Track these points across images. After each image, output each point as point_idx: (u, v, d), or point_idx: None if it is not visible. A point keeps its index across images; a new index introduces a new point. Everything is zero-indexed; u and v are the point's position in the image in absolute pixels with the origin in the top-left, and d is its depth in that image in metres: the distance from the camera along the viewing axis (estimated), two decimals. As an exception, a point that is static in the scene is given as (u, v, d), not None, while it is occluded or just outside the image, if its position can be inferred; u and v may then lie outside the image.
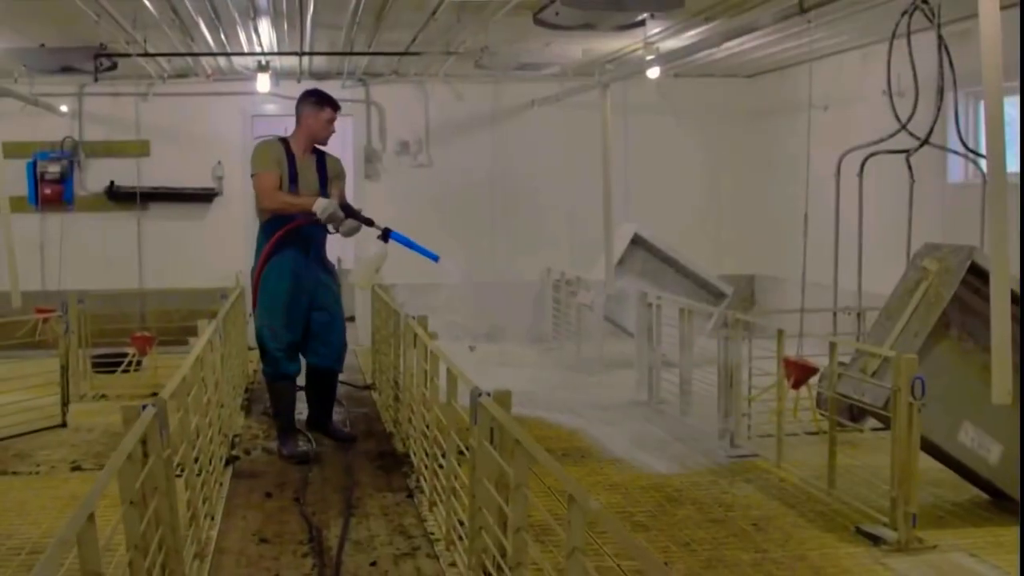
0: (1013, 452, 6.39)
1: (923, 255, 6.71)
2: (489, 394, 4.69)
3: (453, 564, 5.62)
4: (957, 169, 10.51)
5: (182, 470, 5.34)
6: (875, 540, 6.04)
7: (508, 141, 14.82)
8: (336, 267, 8.51)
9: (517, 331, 14.63)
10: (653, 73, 11.52)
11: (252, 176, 7.87)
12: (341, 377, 9.02)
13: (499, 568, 4.52)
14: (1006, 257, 5.39)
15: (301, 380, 8.48)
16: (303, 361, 8.39)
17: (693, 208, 15.05)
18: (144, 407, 4.38)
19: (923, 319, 6.34)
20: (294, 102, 8.23)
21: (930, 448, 6.44)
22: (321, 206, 7.58)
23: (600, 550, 5.76)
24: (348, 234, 7.81)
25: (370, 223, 7.75)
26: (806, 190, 8.21)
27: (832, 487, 6.86)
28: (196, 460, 5.70)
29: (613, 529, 2.95)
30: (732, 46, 11.12)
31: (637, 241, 12.59)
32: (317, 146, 8.01)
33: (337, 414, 9.01)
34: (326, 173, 7.97)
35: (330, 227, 7.84)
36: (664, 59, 10.88)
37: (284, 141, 7.94)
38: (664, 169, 14.93)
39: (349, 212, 7.72)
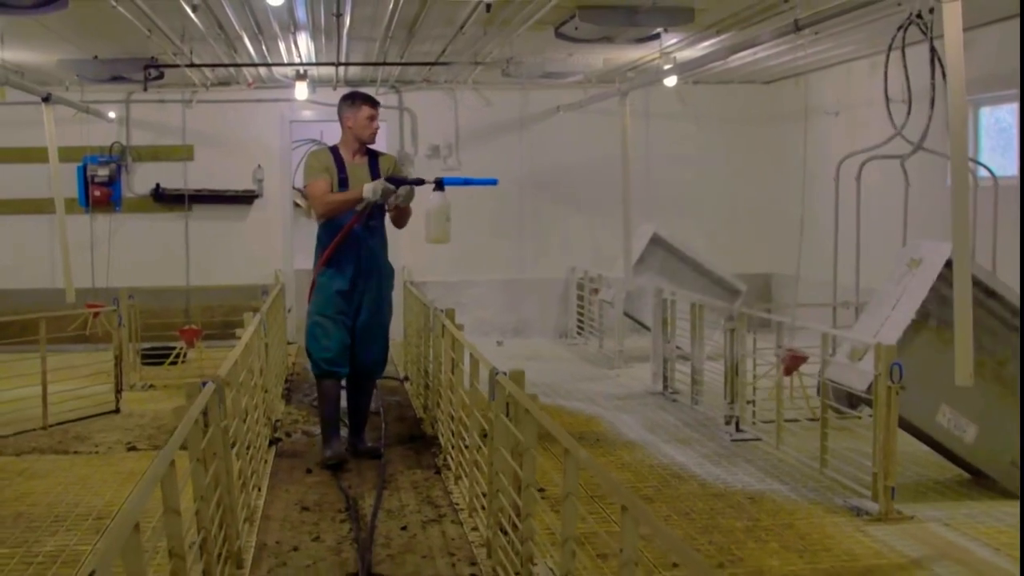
0: (987, 432, 6.98)
1: (907, 252, 7.32)
2: (506, 373, 5.35)
3: (475, 528, 6.27)
4: (958, 173, 11.04)
5: (234, 444, 6.02)
6: (858, 511, 6.66)
7: (535, 145, 15.45)
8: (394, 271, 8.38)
9: (543, 327, 15.37)
10: (670, 82, 12.13)
11: (304, 188, 8.08)
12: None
13: (514, 527, 5.15)
14: (967, 248, 6.01)
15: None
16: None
17: (713, 209, 15.59)
18: (204, 384, 5.04)
19: (905, 311, 6.94)
20: (329, 108, 8.67)
21: (912, 429, 7.05)
22: (369, 190, 7.64)
23: (609, 518, 6.40)
24: (408, 200, 7.75)
25: (421, 181, 7.79)
26: (802, 193, 8.82)
27: (824, 466, 7.47)
28: (245, 436, 6.38)
29: (597, 473, 3.58)
30: (744, 56, 11.69)
31: (656, 241, 13.18)
32: (369, 147, 8.09)
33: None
34: (379, 174, 7.94)
35: (391, 202, 7.75)
36: (680, 68, 11.47)
37: (334, 148, 8.05)
38: (685, 171, 15.51)
39: (398, 182, 7.72)
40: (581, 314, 14.78)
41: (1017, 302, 7.14)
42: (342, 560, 5.82)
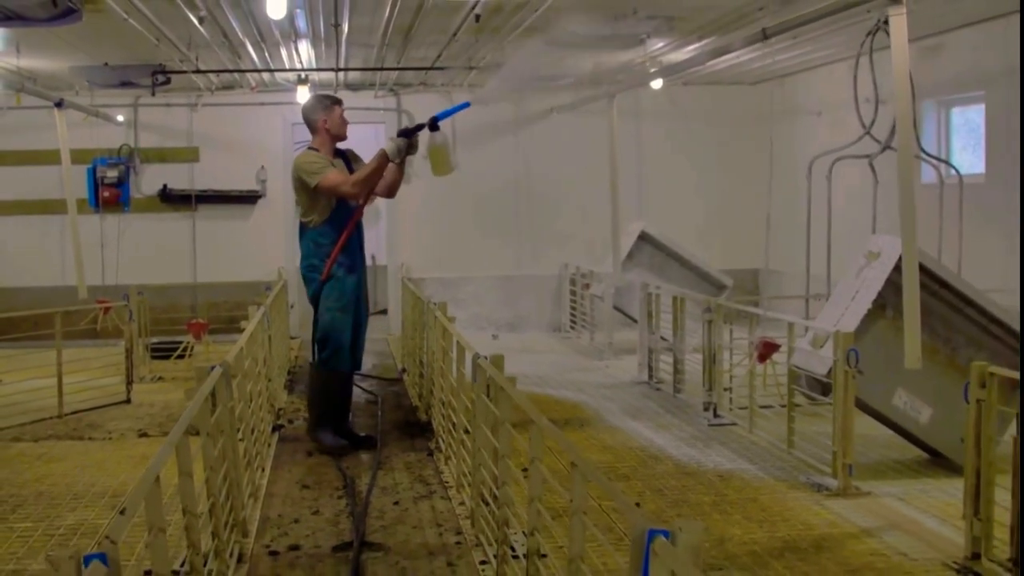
0: (941, 414, 7.48)
1: (868, 247, 7.82)
2: (486, 357, 5.86)
3: (462, 503, 6.78)
4: (930, 171, 11.52)
5: (239, 427, 6.53)
6: (818, 487, 7.16)
7: (529, 146, 15.98)
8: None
9: (538, 321, 15.91)
10: (656, 84, 12.62)
11: (315, 187, 8.02)
12: (378, 369, 9.84)
13: (494, 497, 5.66)
14: (914, 238, 6.50)
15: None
16: None
17: (703, 206, 16.12)
18: (213, 367, 5.55)
19: (863, 301, 7.45)
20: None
21: (871, 412, 7.56)
22: (391, 150, 7.88)
23: (589, 495, 6.89)
24: (415, 150, 8.00)
25: (420, 127, 7.96)
26: (769, 191, 9.28)
27: (791, 447, 7.98)
28: (250, 418, 6.90)
29: (558, 440, 4.08)
30: (729, 58, 12.18)
31: (644, 237, 13.69)
32: (337, 146, 8.33)
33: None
34: (352, 169, 8.27)
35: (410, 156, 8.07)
36: (665, 72, 11.97)
37: (315, 150, 8.28)
38: (675, 170, 16.06)
39: (406, 133, 7.97)
40: (574, 308, 15.28)
41: (969, 293, 7.67)
42: (339, 531, 6.34)
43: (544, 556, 4.91)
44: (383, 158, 7.93)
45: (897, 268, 7.38)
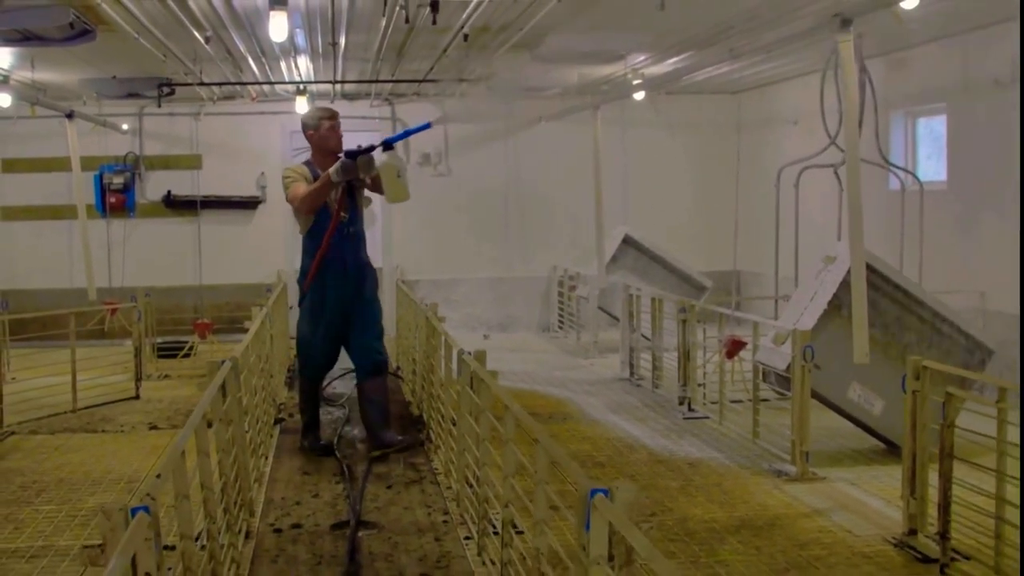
0: (893, 406, 8.08)
1: (827, 252, 8.44)
2: (470, 352, 6.47)
3: (450, 487, 7.39)
4: (896, 179, 12.15)
5: (246, 415, 7.12)
6: (779, 473, 7.78)
7: (519, 153, 16.61)
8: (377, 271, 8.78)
9: (528, 321, 16.54)
10: (639, 96, 13.24)
11: (288, 200, 8.36)
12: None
13: (477, 479, 6.27)
14: (861, 240, 7.08)
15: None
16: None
17: (686, 211, 16.74)
18: (223, 362, 6.15)
19: (820, 301, 8.07)
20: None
21: (828, 404, 8.18)
22: (334, 172, 7.80)
23: (565, 480, 7.50)
24: (369, 169, 7.79)
25: (371, 148, 7.76)
26: (736, 197, 9.85)
27: (756, 437, 8.60)
28: (255, 410, 7.50)
29: (527, 423, 4.69)
30: (709, 70, 12.79)
31: (628, 241, 14.33)
32: (339, 156, 8.04)
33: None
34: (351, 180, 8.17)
35: (362, 177, 7.96)
36: (647, 83, 12.59)
37: (307, 163, 8.47)
38: (659, 176, 16.68)
39: (354, 155, 7.78)
40: (562, 309, 15.88)
41: (920, 295, 8.30)
42: (337, 511, 6.96)
43: (520, 532, 5.48)
44: (327, 179, 7.93)
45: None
